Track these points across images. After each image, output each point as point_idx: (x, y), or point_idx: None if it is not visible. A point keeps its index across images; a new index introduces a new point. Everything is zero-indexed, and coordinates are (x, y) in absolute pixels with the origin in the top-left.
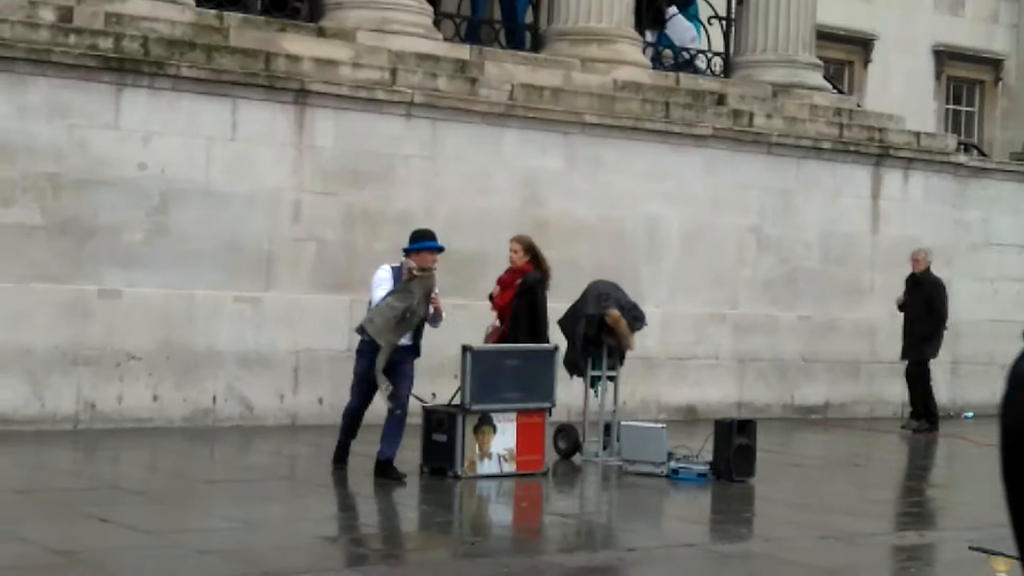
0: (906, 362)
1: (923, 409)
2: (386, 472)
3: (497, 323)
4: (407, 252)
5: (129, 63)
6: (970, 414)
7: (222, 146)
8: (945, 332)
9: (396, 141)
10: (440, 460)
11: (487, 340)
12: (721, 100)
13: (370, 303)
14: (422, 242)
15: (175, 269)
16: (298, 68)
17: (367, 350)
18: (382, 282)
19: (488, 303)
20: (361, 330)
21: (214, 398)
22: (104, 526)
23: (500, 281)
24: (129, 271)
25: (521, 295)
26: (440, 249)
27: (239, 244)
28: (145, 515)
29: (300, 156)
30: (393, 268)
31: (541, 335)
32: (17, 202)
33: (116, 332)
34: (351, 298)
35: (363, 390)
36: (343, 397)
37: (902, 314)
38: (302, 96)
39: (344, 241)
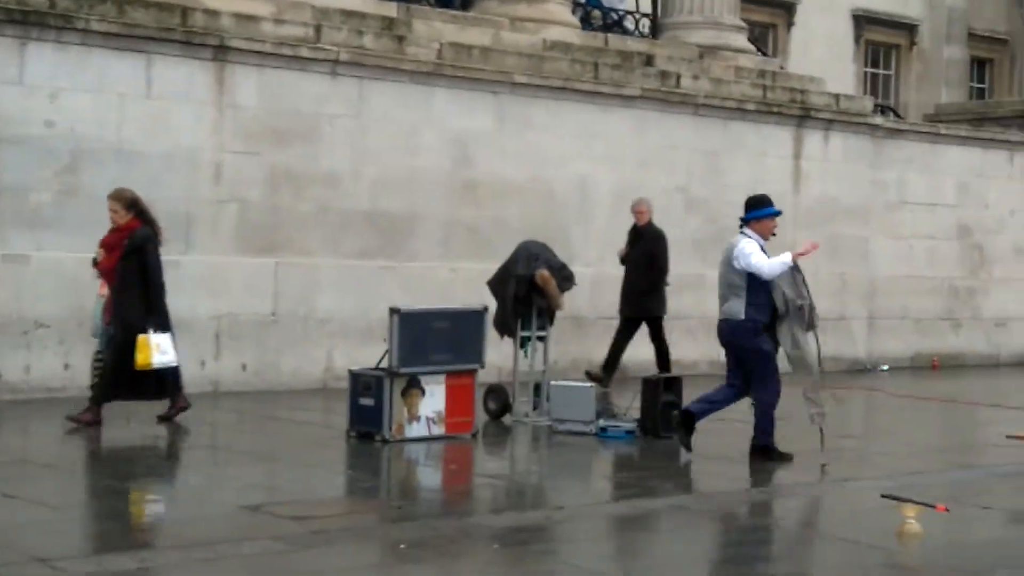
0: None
1: (608, 363)
2: (769, 455)
3: (104, 291)
4: (745, 222)
5: (33, 16)
6: (885, 367)
7: (136, 104)
8: (667, 287)
9: (321, 100)
10: (368, 424)
11: (104, 312)
12: (649, 61)
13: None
14: (761, 209)
15: (86, 232)
16: (217, 23)
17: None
18: (755, 250)
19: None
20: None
21: None
22: (10, 502)
23: (103, 243)
24: (37, 234)
25: (129, 255)
26: (778, 213)
27: (156, 206)
28: (54, 489)
29: (220, 115)
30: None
31: (155, 299)
32: None
33: (23, 298)
34: (276, 260)
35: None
36: (267, 362)
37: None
38: (222, 52)
39: (268, 202)
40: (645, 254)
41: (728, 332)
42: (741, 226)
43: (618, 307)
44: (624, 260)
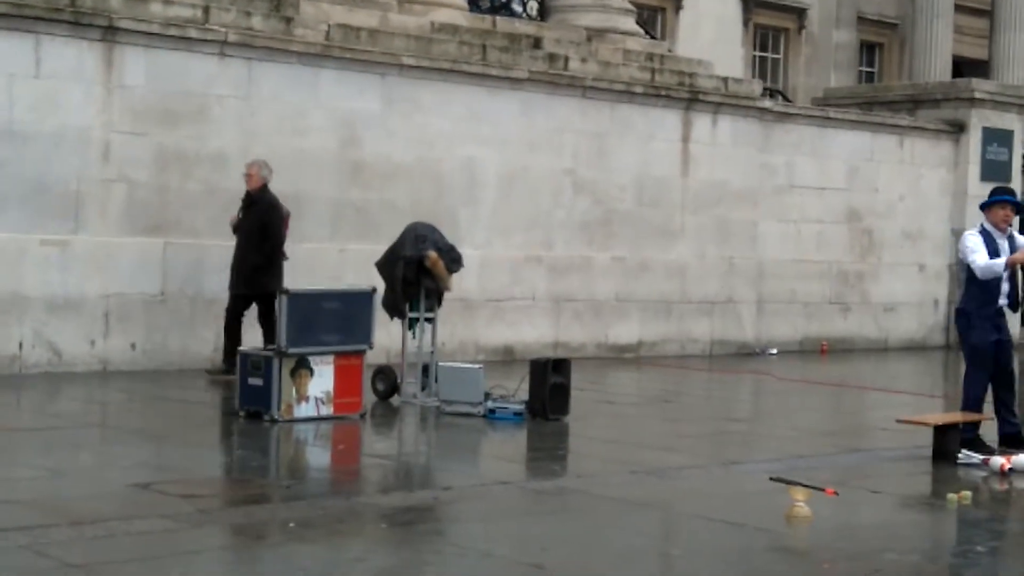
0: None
1: (229, 351)
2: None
3: None
4: (984, 208)
5: None
6: (774, 351)
7: (25, 84)
8: (285, 262)
9: (210, 80)
10: (256, 404)
11: None
12: (537, 44)
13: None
14: (991, 197)
15: None
16: (105, 4)
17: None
18: (977, 247)
19: None
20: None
21: (20, 344)
22: None
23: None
24: None
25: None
26: (1016, 204)
27: (45, 185)
28: None
29: (109, 95)
30: (981, 232)
31: None
32: None
33: None
34: (164, 240)
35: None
36: (156, 342)
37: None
38: (110, 33)
39: (156, 182)
40: (258, 224)
41: (955, 319)
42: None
43: (228, 283)
44: (236, 230)
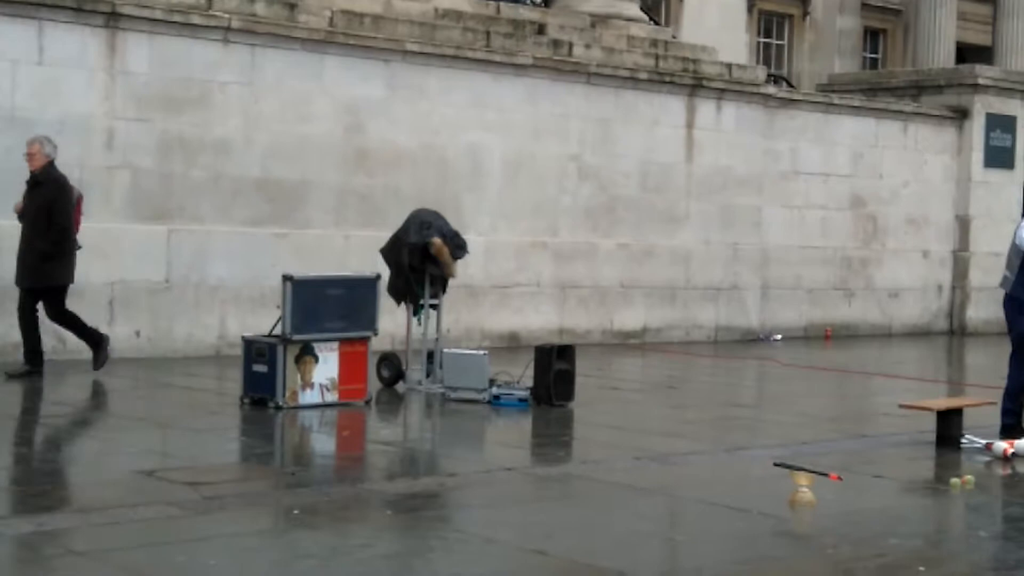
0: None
1: (29, 349)
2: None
3: None
4: None
5: None
6: (778, 337)
7: (28, 70)
8: (78, 250)
9: (213, 67)
10: (261, 391)
11: None
12: (541, 30)
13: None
14: None
15: None
16: None
17: None
18: None
19: None
20: None
21: None
22: None
23: None
24: None
25: None
26: None
27: None
28: None
29: (112, 81)
30: None
31: None
32: None
33: None
34: (168, 227)
35: None
36: (160, 329)
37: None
38: (113, 19)
39: (160, 169)
40: (44, 207)
41: (1003, 304)
42: None
43: (15, 278)
44: (21, 216)
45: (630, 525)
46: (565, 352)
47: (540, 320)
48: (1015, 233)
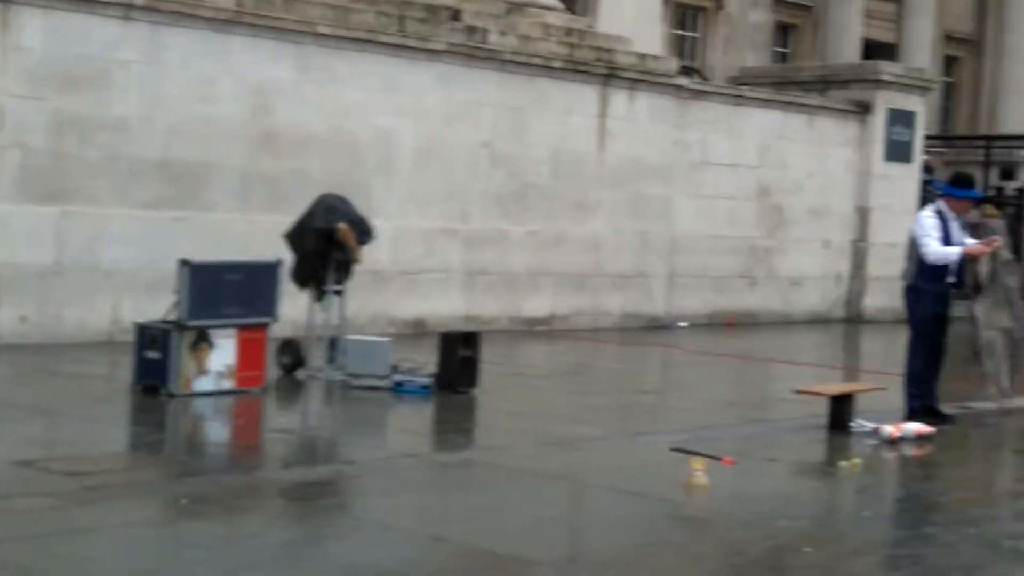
0: None
1: None
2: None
3: None
4: (942, 195)
5: None
6: (684, 324)
7: None
8: None
9: (113, 45)
10: (153, 378)
11: None
12: (456, 16)
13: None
14: (960, 189)
15: None
16: None
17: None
18: (931, 231)
19: None
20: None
21: None
22: None
23: None
24: None
25: None
26: (977, 197)
27: None
28: None
29: (3, 58)
30: (937, 213)
31: None
32: None
33: None
34: (61, 209)
35: None
36: (49, 314)
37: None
38: None
39: (53, 149)
40: None
41: (903, 293)
42: (938, 195)
43: None
44: None
45: (531, 511)
46: (470, 339)
47: (447, 307)
48: (912, 226)
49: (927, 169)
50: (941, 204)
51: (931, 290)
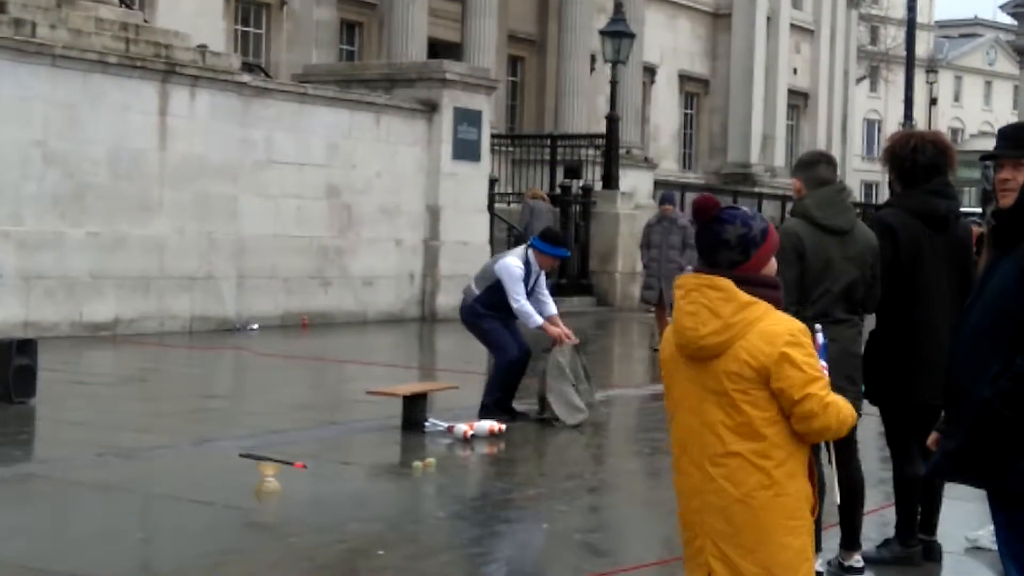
0: None
1: None
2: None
3: None
4: (533, 247)
5: None
6: (255, 326)
7: None
8: None
9: None
10: None
11: None
12: (2, 8)
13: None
14: (554, 247)
15: None
16: None
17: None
18: (519, 279)
19: None
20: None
21: None
22: None
23: None
24: None
25: None
26: (565, 255)
27: None
28: None
29: None
30: (525, 262)
31: None
32: None
33: None
34: None
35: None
36: None
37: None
38: None
39: None
40: None
41: (462, 316)
42: (528, 245)
43: None
44: None
45: (90, 525)
46: (26, 346)
47: (3, 314)
48: (498, 266)
49: (665, 200)
50: (531, 255)
51: (490, 314)
